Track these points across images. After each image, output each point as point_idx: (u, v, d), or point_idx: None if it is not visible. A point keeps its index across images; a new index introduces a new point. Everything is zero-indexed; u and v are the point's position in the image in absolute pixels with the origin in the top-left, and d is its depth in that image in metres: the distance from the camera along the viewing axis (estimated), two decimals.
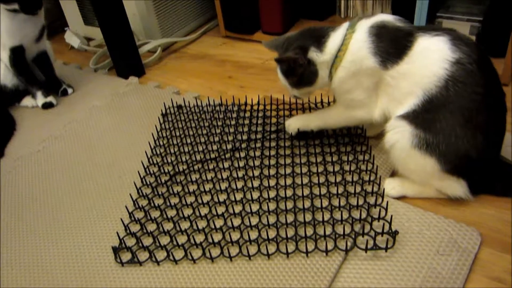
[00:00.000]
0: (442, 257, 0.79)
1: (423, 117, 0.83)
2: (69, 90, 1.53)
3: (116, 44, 1.55)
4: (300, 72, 0.94)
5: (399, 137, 0.86)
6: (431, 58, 0.82)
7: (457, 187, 0.88)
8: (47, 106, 1.46)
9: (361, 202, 0.92)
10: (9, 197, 1.10)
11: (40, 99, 1.46)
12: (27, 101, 1.49)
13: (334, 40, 0.91)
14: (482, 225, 0.85)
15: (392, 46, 0.86)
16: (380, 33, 0.87)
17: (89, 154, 1.21)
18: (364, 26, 0.89)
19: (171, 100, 1.35)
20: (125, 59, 1.58)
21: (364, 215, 0.89)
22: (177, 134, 1.21)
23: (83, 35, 1.92)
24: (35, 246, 0.95)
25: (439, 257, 0.79)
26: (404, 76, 0.85)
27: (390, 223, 0.85)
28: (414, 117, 0.84)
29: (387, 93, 0.90)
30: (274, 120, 1.22)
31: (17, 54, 1.37)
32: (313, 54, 0.92)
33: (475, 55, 0.81)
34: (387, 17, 0.90)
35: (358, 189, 0.95)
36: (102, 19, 1.48)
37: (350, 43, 0.89)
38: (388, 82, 0.88)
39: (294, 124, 1.09)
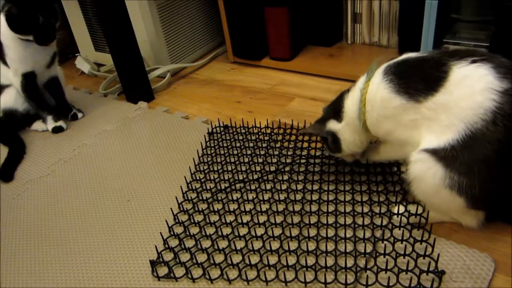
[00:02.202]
0: (455, 284, 0.78)
1: (461, 158, 0.74)
2: (79, 115, 1.55)
3: (126, 70, 1.57)
4: (326, 142, 1.01)
5: (430, 174, 0.78)
6: (475, 87, 0.73)
7: (474, 220, 0.86)
8: (57, 130, 1.48)
9: (406, 236, 0.88)
10: (19, 221, 1.10)
11: (51, 123, 1.48)
12: (37, 125, 1.50)
13: (351, 99, 0.93)
14: (495, 251, 0.84)
15: (419, 81, 0.79)
16: (399, 71, 0.83)
17: (99, 178, 1.21)
18: (379, 70, 0.87)
19: (203, 129, 1.35)
20: (135, 85, 1.60)
21: (409, 251, 0.85)
22: (222, 152, 1.23)
23: (94, 61, 1.96)
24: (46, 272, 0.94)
25: (452, 284, 0.78)
26: (443, 107, 0.77)
27: (436, 262, 0.81)
28: (450, 158, 0.75)
29: (426, 127, 0.80)
30: (319, 145, 1.20)
31: (28, 80, 1.40)
32: (330, 124, 0.98)
33: None
34: (408, 54, 0.86)
35: (404, 221, 0.91)
36: (113, 45, 1.51)
37: (368, 92, 0.87)
38: (426, 115, 0.79)
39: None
